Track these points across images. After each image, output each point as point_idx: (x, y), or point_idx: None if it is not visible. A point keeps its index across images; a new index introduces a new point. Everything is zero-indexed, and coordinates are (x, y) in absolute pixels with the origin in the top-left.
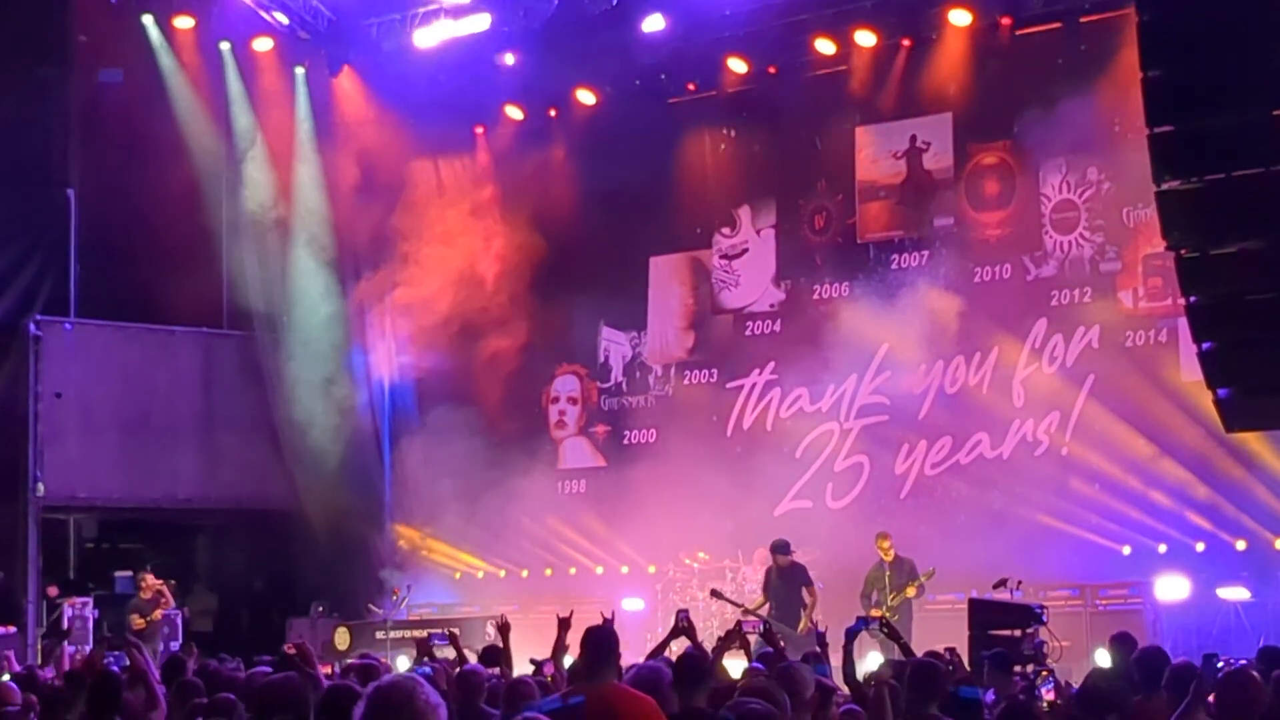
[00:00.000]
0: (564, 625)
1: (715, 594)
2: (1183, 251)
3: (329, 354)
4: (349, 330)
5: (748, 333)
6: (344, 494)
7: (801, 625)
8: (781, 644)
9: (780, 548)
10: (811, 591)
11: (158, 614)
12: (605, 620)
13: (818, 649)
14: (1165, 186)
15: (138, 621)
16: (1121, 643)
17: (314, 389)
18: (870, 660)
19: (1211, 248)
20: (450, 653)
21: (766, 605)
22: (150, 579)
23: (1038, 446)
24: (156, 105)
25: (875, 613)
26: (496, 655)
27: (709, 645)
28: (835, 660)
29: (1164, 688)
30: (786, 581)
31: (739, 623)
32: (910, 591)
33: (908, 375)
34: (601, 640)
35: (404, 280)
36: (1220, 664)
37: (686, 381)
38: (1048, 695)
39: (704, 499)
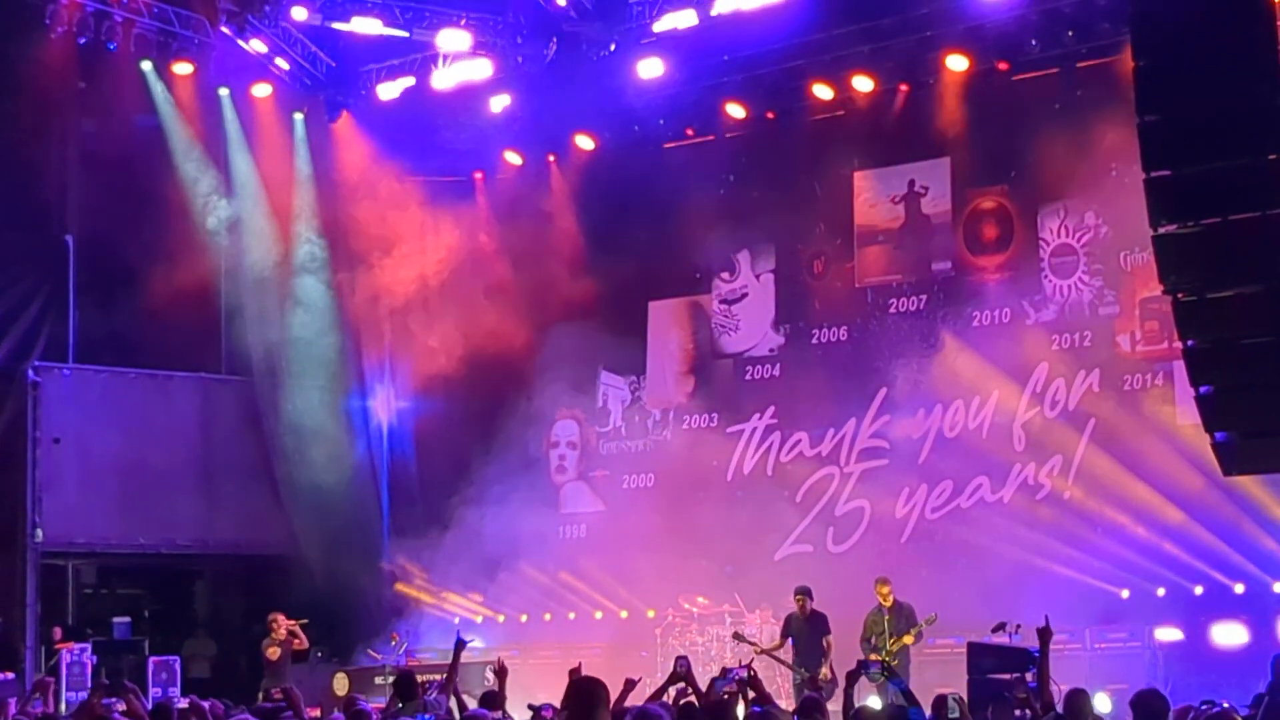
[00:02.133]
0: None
1: (738, 636)
2: (1180, 295)
3: (328, 400)
4: (348, 376)
5: (747, 377)
6: (342, 539)
7: (823, 672)
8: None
9: (805, 592)
10: (829, 641)
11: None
12: (576, 672)
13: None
14: (1162, 230)
15: (272, 651)
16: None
17: (313, 435)
18: (870, 701)
19: (1209, 291)
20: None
21: (784, 649)
22: (282, 619)
23: (1039, 490)
24: (156, 151)
25: (874, 656)
26: (495, 700)
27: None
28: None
29: None
30: (810, 626)
31: (723, 669)
32: (909, 639)
33: (907, 419)
34: (585, 689)
35: (403, 327)
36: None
37: (686, 426)
38: None
39: (703, 543)
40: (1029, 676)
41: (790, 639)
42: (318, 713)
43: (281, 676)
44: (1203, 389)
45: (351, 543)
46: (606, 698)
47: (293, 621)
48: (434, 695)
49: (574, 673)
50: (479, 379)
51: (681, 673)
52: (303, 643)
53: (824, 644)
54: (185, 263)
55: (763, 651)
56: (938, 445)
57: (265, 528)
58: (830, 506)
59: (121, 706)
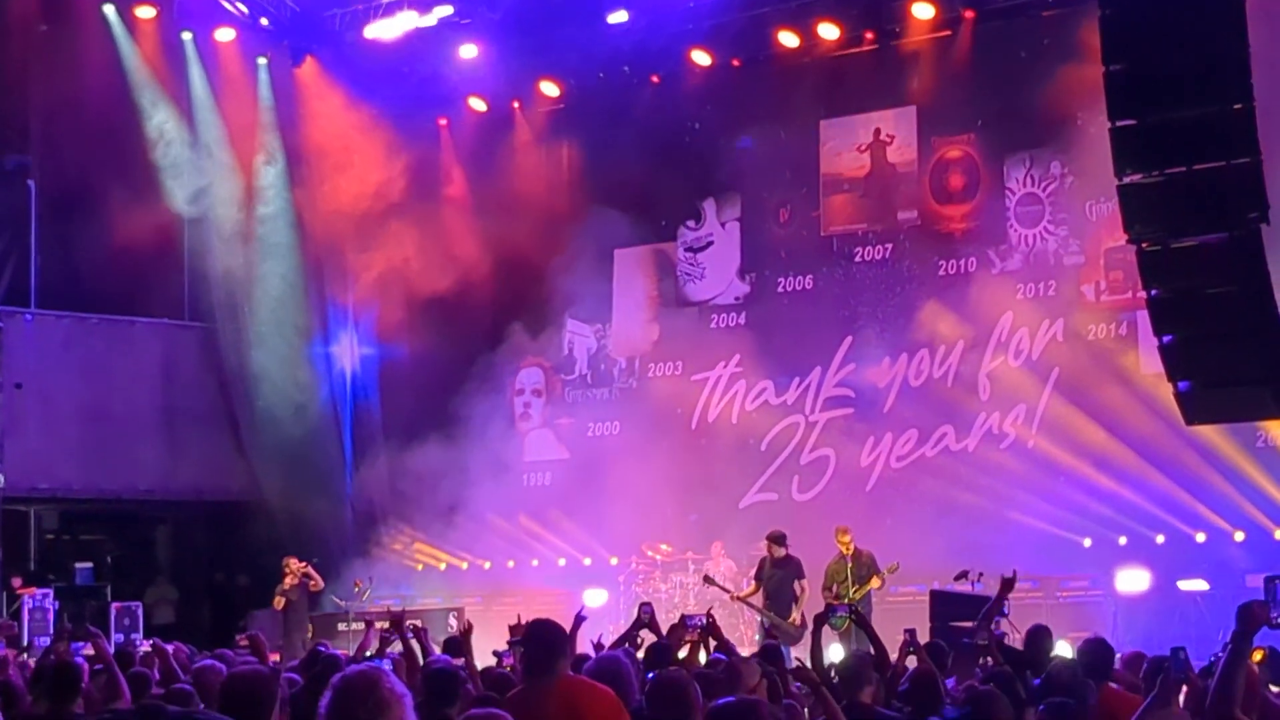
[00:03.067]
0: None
1: (707, 580)
2: (1144, 244)
3: (291, 346)
4: (311, 322)
5: (713, 325)
6: (305, 485)
7: (793, 617)
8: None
9: (779, 539)
10: (803, 586)
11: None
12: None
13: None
14: (1126, 180)
15: (278, 601)
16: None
17: (276, 381)
18: (833, 653)
19: (1172, 241)
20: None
21: (759, 594)
22: (294, 562)
23: (1003, 439)
24: (118, 96)
25: (835, 602)
26: (458, 647)
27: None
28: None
29: (1144, 678)
30: (782, 571)
31: (682, 617)
32: (875, 583)
33: (873, 368)
34: (546, 633)
35: (367, 273)
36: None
37: (651, 374)
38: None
39: (668, 491)
40: (993, 625)
41: (761, 584)
42: (277, 657)
43: (296, 625)
44: (1165, 338)
45: (314, 489)
46: (564, 639)
47: (304, 564)
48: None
49: (514, 629)
50: (443, 326)
51: (645, 619)
52: (318, 584)
53: (795, 589)
54: (148, 209)
55: (735, 598)
56: (903, 394)
57: (228, 473)
58: (795, 455)
59: (88, 651)
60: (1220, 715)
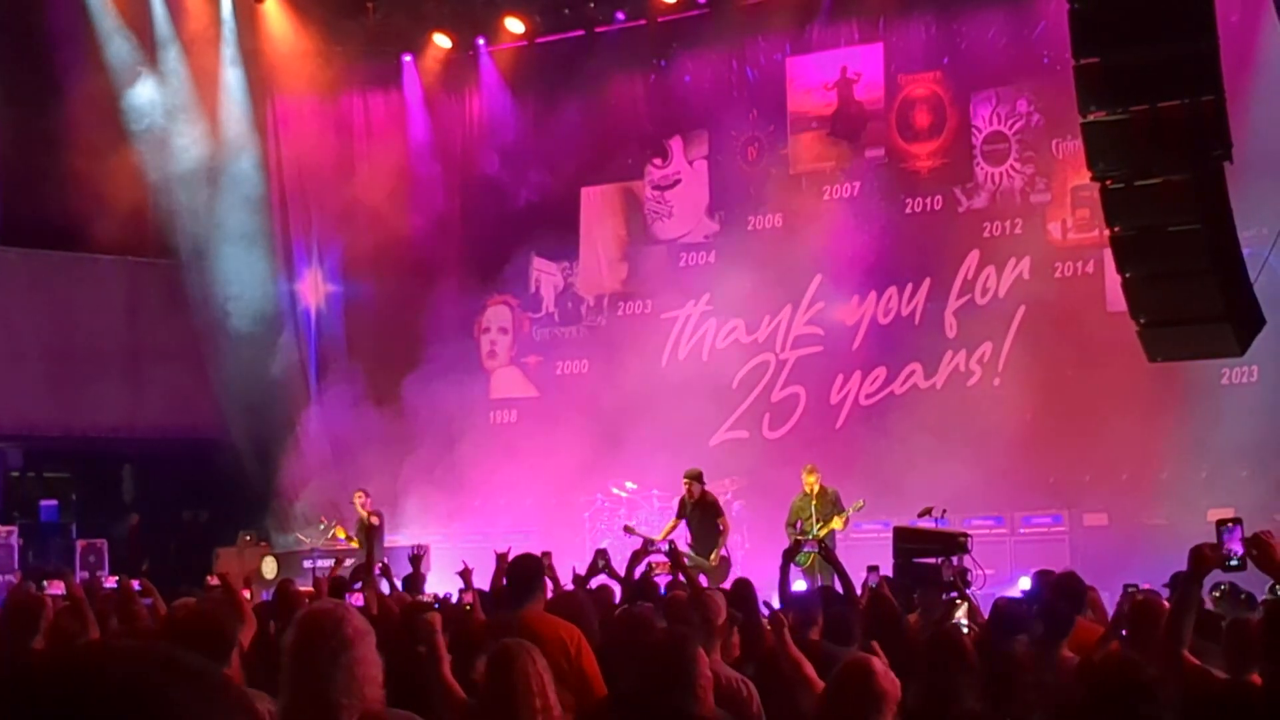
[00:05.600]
0: (502, 559)
1: (628, 530)
2: (1107, 182)
3: (256, 283)
4: (276, 259)
5: (682, 264)
6: (271, 423)
7: (714, 555)
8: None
9: (696, 476)
10: (723, 523)
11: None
12: (542, 554)
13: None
14: (1091, 118)
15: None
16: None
17: (241, 318)
18: (796, 588)
19: (1136, 179)
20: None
21: (676, 529)
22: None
23: (970, 377)
24: (79, 28)
25: (802, 538)
26: (413, 582)
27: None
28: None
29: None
30: (702, 511)
31: (645, 542)
32: (837, 523)
33: (841, 306)
34: (525, 568)
35: (332, 210)
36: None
37: (620, 312)
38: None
39: (637, 429)
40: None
41: (684, 521)
42: (247, 594)
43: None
44: (1128, 275)
45: (281, 427)
46: (539, 575)
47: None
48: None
49: (501, 558)
50: (409, 264)
51: (602, 566)
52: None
53: (718, 526)
54: (111, 146)
55: (651, 542)
56: (871, 332)
57: (193, 411)
58: (766, 393)
59: (56, 590)
60: (1170, 654)
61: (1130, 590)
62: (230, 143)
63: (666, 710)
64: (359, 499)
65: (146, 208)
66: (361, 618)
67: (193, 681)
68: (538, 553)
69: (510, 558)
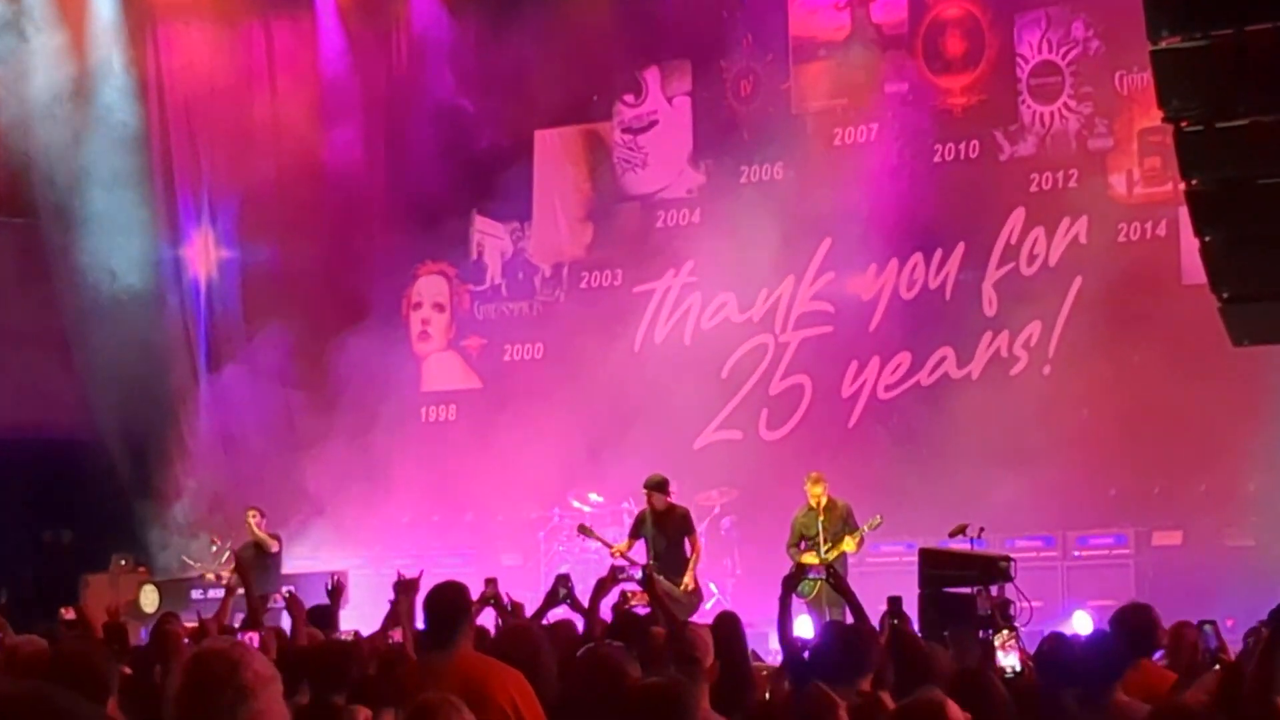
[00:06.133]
0: (404, 588)
1: (584, 530)
2: (1183, 124)
3: (132, 247)
4: (157, 218)
5: (659, 224)
6: (151, 421)
7: (685, 581)
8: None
9: (658, 485)
10: (694, 542)
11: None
12: (403, 578)
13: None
14: (1163, 44)
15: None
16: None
17: (113, 290)
18: (799, 625)
19: (1217, 120)
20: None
21: (631, 550)
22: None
23: (1014, 364)
24: None
25: (809, 558)
26: (326, 616)
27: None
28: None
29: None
30: (664, 528)
31: (613, 569)
32: (849, 545)
33: (856, 277)
34: (446, 602)
35: (226, 159)
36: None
37: (583, 285)
38: (1010, 661)
39: (604, 429)
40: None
41: (642, 541)
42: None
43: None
44: (1209, 239)
45: (162, 424)
46: (465, 608)
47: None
48: None
49: (399, 586)
50: (320, 225)
51: (563, 595)
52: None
53: (687, 546)
54: None
55: (621, 570)
56: (892, 309)
57: (54, 406)
58: (763, 383)
59: None
60: (1259, 702)
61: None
62: (99, 76)
63: None
64: (253, 518)
65: None
66: (264, 660)
67: None
68: (477, 580)
69: (410, 584)
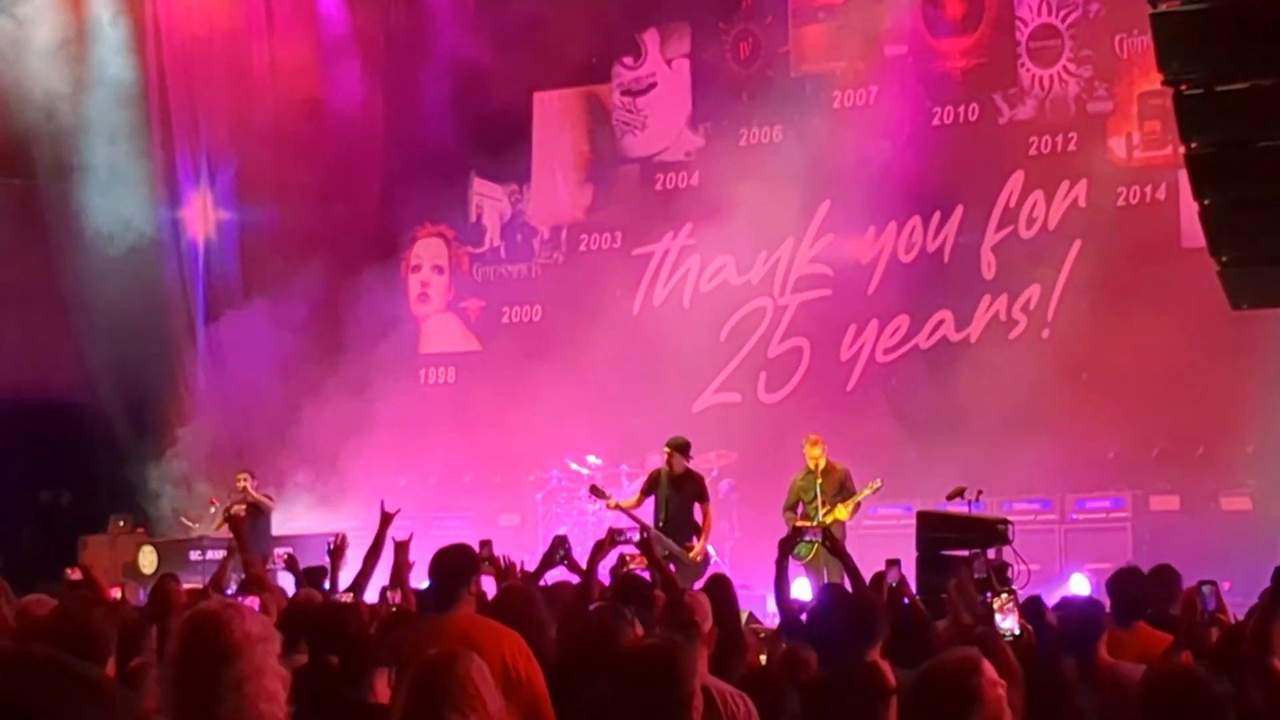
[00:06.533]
0: (401, 548)
1: (595, 491)
2: (1183, 88)
3: (130, 208)
4: (155, 179)
5: (658, 186)
6: (148, 382)
7: (696, 550)
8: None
9: (681, 447)
10: (707, 511)
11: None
12: (481, 543)
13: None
14: (1162, 7)
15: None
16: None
17: (111, 251)
18: (797, 587)
19: (1218, 83)
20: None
21: (639, 507)
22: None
23: (1012, 328)
24: None
25: (804, 524)
26: (320, 577)
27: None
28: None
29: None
30: (680, 491)
31: (611, 531)
32: (843, 513)
33: (855, 239)
34: (453, 561)
35: (225, 119)
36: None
37: (582, 247)
38: (1010, 627)
39: (603, 391)
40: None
41: (653, 499)
42: (118, 593)
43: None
44: (1208, 203)
45: (160, 386)
46: (471, 569)
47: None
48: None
49: (401, 547)
50: (320, 186)
51: (560, 558)
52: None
53: (697, 516)
54: None
55: (620, 532)
56: (891, 271)
57: (52, 367)
58: (762, 346)
59: None
60: (1256, 664)
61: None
62: (98, 35)
63: None
64: (244, 481)
65: None
66: (260, 621)
67: (78, 688)
68: (474, 542)
69: (409, 544)
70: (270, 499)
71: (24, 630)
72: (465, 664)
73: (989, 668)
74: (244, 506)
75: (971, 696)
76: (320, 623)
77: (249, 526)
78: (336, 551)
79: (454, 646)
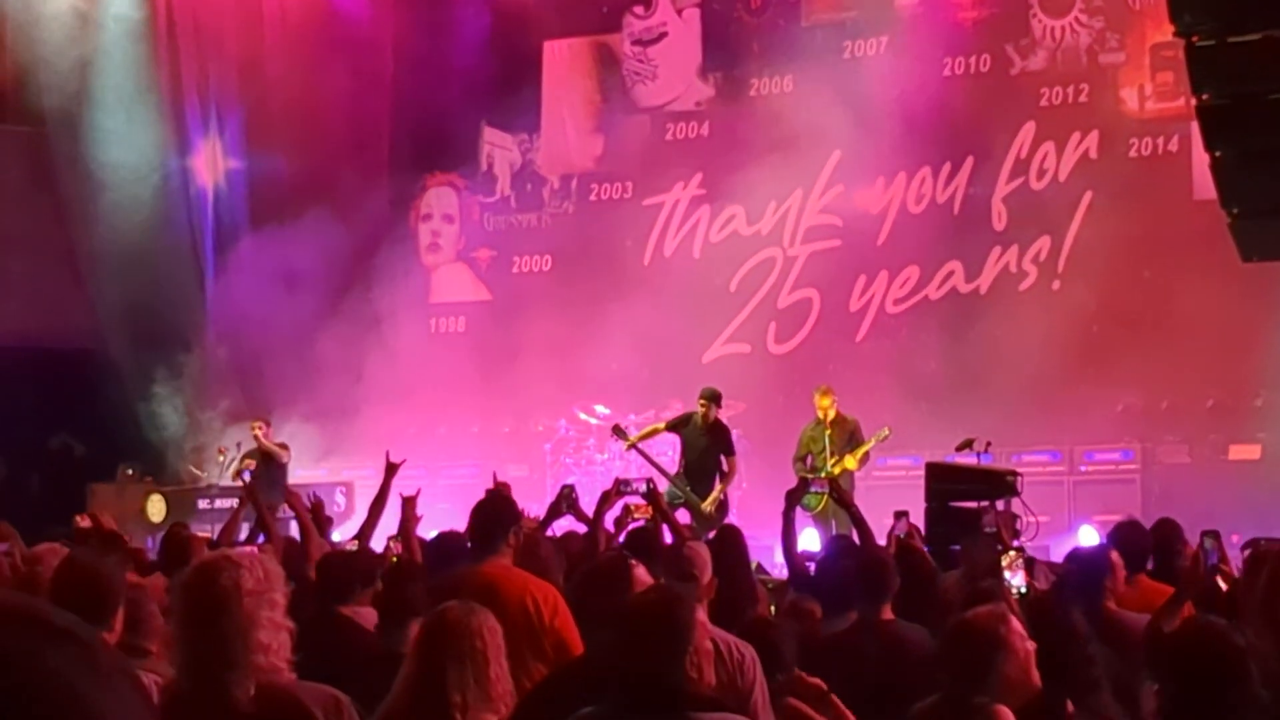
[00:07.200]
0: (408, 503)
1: (617, 431)
2: (1194, 39)
3: (139, 155)
4: (164, 126)
5: (668, 136)
6: (158, 329)
7: (711, 499)
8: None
9: (715, 397)
10: (731, 463)
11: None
12: (498, 485)
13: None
14: None
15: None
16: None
17: (120, 199)
18: (806, 538)
19: (1230, 34)
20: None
21: (656, 436)
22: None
23: (1023, 279)
24: None
25: (809, 476)
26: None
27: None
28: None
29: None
30: (709, 438)
31: (617, 481)
32: (851, 462)
33: (864, 190)
34: (493, 510)
35: (234, 65)
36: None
37: (592, 197)
38: (1017, 580)
39: (612, 342)
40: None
41: (679, 437)
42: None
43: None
44: (1219, 154)
45: (168, 333)
46: (506, 519)
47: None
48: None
49: (408, 503)
50: (329, 134)
51: (565, 507)
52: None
53: (723, 465)
54: None
55: (626, 483)
56: (901, 222)
57: (61, 314)
58: (771, 297)
59: None
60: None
61: (1211, 537)
62: None
63: (654, 685)
64: (258, 429)
65: (2, 64)
66: (264, 569)
67: (63, 644)
68: (480, 492)
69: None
70: (284, 448)
71: (33, 578)
72: (472, 618)
73: (1015, 621)
74: (256, 456)
75: (999, 645)
76: (327, 573)
77: (262, 475)
78: (316, 509)
79: (477, 595)
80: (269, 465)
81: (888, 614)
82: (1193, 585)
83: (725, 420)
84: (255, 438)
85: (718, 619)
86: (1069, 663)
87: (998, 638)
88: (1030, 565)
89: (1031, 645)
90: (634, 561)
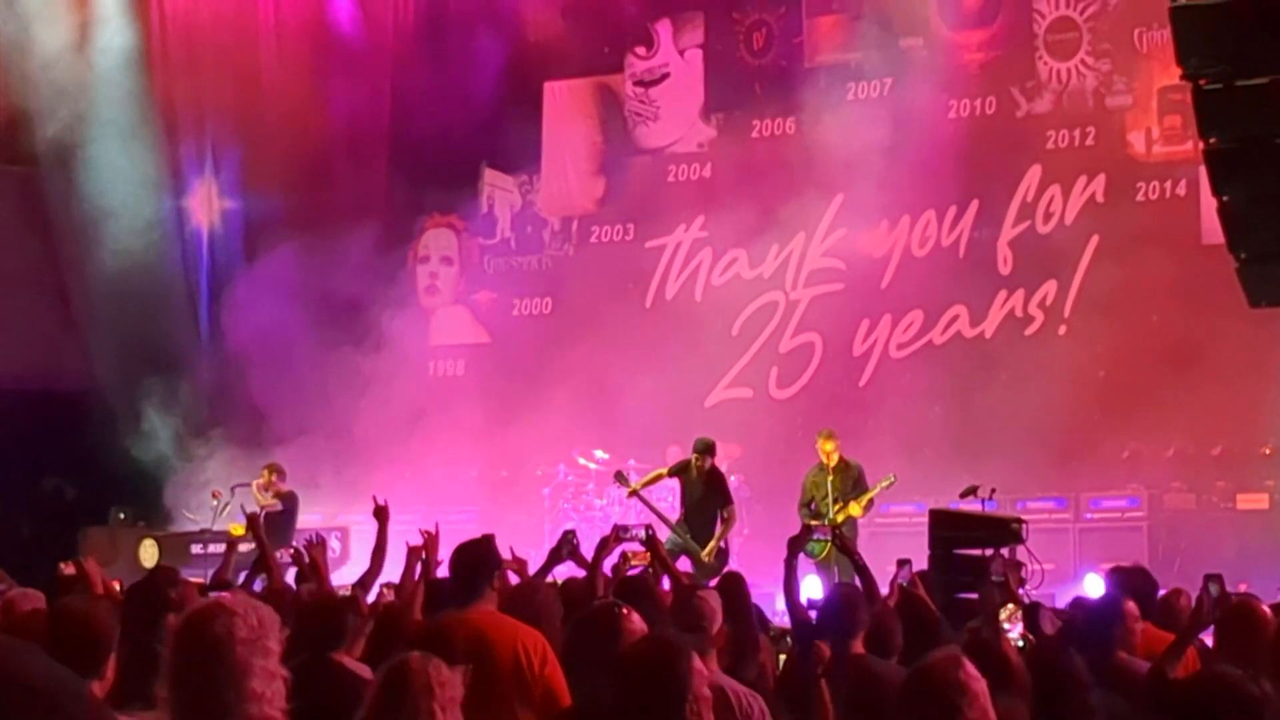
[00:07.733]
0: (413, 553)
1: (620, 477)
2: (1202, 82)
3: (134, 196)
4: (160, 167)
5: (670, 179)
6: (150, 371)
7: (710, 548)
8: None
9: (708, 448)
10: (730, 511)
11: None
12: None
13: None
14: (1182, 1)
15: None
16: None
17: (114, 240)
18: (808, 586)
19: (1238, 78)
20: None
21: (657, 482)
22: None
23: (1029, 324)
24: None
25: (814, 523)
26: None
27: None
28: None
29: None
30: (706, 488)
31: (616, 528)
32: (856, 509)
33: (868, 233)
34: (475, 556)
35: (230, 106)
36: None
37: (593, 239)
38: (1015, 633)
39: (613, 386)
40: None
41: (679, 483)
42: (118, 586)
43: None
44: (1227, 199)
45: (162, 376)
46: (489, 565)
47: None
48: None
49: (413, 552)
50: (327, 175)
51: (566, 552)
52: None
53: (722, 515)
54: None
55: (625, 529)
56: (905, 266)
57: (54, 355)
58: (774, 341)
59: None
60: None
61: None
62: (102, 22)
63: None
64: (264, 477)
65: None
66: (257, 617)
67: (41, 692)
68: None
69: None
70: (286, 496)
71: (10, 626)
72: (425, 669)
73: (968, 663)
74: (271, 503)
75: (960, 690)
76: (317, 619)
77: (269, 523)
78: (316, 549)
79: (467, 643)
80: (272, 513)
81: (857, 648)
82: (1195, 630)
83: (727, 465)
84: (263, 482)
85: (723, 667)
86: (1067, 712)
87: (956, 682)
88: (1036, 610)
89: (984, 685)
90: (628, 610)
